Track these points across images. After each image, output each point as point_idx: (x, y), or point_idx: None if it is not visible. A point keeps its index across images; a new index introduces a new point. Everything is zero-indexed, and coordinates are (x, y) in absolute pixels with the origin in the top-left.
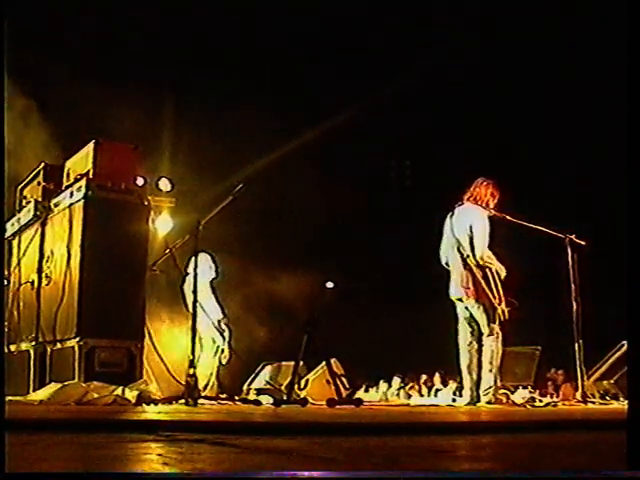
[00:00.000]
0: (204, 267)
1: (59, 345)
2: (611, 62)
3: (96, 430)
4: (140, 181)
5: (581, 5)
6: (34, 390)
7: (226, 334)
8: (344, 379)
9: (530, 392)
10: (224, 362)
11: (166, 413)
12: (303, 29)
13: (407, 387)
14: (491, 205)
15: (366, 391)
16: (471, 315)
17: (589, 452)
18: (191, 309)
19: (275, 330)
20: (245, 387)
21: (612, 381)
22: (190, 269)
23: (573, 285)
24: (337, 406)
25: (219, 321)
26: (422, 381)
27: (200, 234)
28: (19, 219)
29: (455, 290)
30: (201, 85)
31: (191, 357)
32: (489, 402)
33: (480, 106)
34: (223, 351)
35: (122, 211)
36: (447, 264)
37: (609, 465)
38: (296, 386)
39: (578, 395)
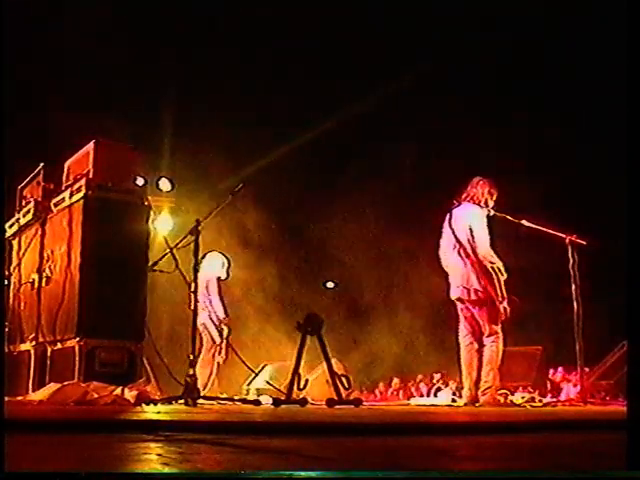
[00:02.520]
0: (215, 265)
1: (59, 345)
2: (611, 62)
3: (96, 430)
4: (140, 181)
5: (581, 5)
6: (34, 390)
7: (225, 332)
8: (344, 379)
9: (530, 392)
10: (221, 361)
11: (166, 413)
12: (302, 28)
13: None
14: (490, 204)
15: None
16: (472, 315)
17: (589, 452)
18: (192, 307)
19: (275, 329)
20: (245, 387)
21: (612, 381)
22: (200, 267)
23: (574, 285)
24: (337, 406)
25: (220, 320)
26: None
27: (200, 234)
28: (19, 219)
29: (456, 290)
30: (201, 84)
31: (191, 357)
32: (488, 402)
33: (480, 106)
34: (221, 350)
35: (122, 211)
36: (446, 265)
37: (609, 465)
38: (296, 386)
39: (579, 395)
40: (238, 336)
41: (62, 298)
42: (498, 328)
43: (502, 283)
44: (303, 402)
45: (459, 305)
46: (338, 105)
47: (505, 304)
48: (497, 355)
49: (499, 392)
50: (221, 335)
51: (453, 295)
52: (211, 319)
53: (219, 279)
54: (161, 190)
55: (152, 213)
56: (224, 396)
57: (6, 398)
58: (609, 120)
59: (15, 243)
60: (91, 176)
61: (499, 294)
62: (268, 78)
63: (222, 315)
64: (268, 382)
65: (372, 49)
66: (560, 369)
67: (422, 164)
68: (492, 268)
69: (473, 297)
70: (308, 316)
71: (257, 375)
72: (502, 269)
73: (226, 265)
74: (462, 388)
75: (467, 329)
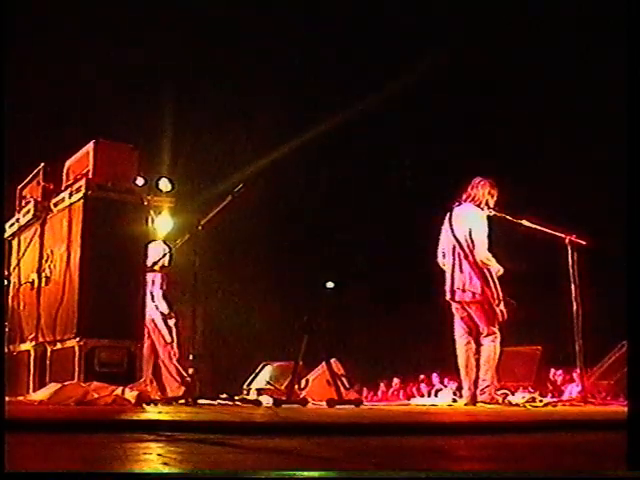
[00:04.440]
0: (155, 254)
1: (59, 345)
2: (611, 62)
3: (96, 430)
4: (140, 181)
5: (581, 6)
6: (34, 390)
7: (173, 329)
8: (344, 379)
9: (531, 392)
10: (174, 360)
11: (166, 413)
12: (302, 28)
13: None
14: (490, 204)
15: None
16: (469, 315)
17: (589, 452)
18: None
19: (275, 330)
20: (245, 387)
21: (612, 381)
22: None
23: (573, 285)
24: (337, 406)
25: (165, 315)
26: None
27: (200, 234)
28: (19, 219)
29: (452, 291)
30: (201, 84)
31: (191, 357)
32: (486, 402)
33: (480, 106)
34: (172, 348)
35: (122, 211)
36: (444, 264)
37: (609, 465)
38: (296, 386)
39: (579, 395)
40: (239, 335)
41: (62, 298)
42: (495, 328)
43: (498, 286)
44: (304, 402)
45: (454, 305)
46: (338, 104)
47: (502, 307)
48: (495, 354)
49: (498, 392)
50: (170, 332)
51: (449, 295)
52: (158, 313)
53: (163, 271)
54: (161, 190)
55: (152, 213)
56: (224, 396)
57: (6, 398)
58: (609, 120)
59: (15, 243)
60: (91, 176)
61: (496, 297)
62: (269, 78)
63: (166, 310)
64: (268, 382)
65: (370, 48)
66: (560, 371)
67: (422, 164)
68: (489, 270)
69: (469, 298)
70: (308, 316)
71: (257, 375)
72: (500, 271)
73: (167, 253)
74: (462, 388)
75: (464, 329)
